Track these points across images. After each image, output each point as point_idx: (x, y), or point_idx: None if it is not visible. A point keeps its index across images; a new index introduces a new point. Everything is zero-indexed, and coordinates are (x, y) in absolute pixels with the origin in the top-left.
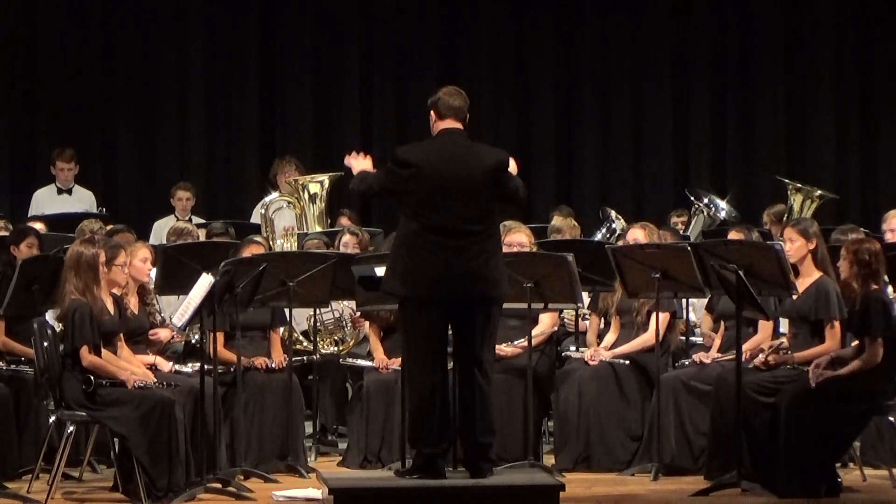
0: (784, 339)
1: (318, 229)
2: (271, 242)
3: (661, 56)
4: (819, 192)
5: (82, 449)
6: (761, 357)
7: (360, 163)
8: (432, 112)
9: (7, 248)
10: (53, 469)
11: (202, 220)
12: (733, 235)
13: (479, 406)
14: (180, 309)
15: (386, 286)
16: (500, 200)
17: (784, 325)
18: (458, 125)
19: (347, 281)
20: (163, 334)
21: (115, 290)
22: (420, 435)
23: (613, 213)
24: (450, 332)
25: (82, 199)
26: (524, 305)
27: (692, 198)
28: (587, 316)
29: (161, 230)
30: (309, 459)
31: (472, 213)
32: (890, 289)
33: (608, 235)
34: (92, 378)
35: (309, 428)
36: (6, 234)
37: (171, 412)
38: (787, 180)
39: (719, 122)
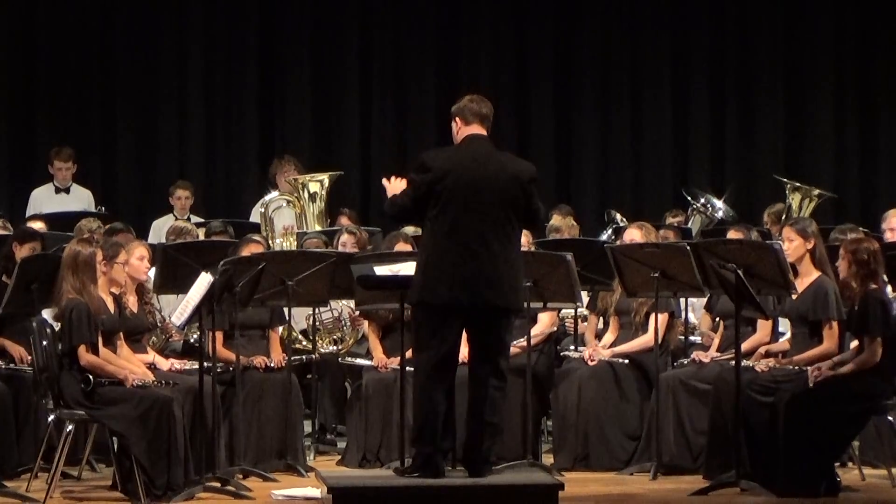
0: (787, 342)
1: (318, 228)
2: (270, 241)
3: (661, 56)
4: (817, 191)
5: (81, 448)
6: (763, 365)
7: (394, 185)
8: (457, 118)
9: (9, 245)
10: (52, 468)
11: (201, 219)
12: (732, 235)
13: (488, 412)
14: (179, 308)
15: (412, 299)
16: (523, 216)
17: (783, 324)
18: (483, 131)
19: (346, 280)
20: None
21: (114, 289)
22: (423, 437)
23: (619, 216)
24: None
25: (80, 198)
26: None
27: (689, 197)
28: (587, 317)
29: (160, 229)
30: (308, 458)
31: (497, 216)
32: (889, 288)
33: (613, 237)
34: (91, 377)
35: (308, 427)
36: (4, 232)
37: (169, 411)
38: (785, 179)
39: (719, 121)
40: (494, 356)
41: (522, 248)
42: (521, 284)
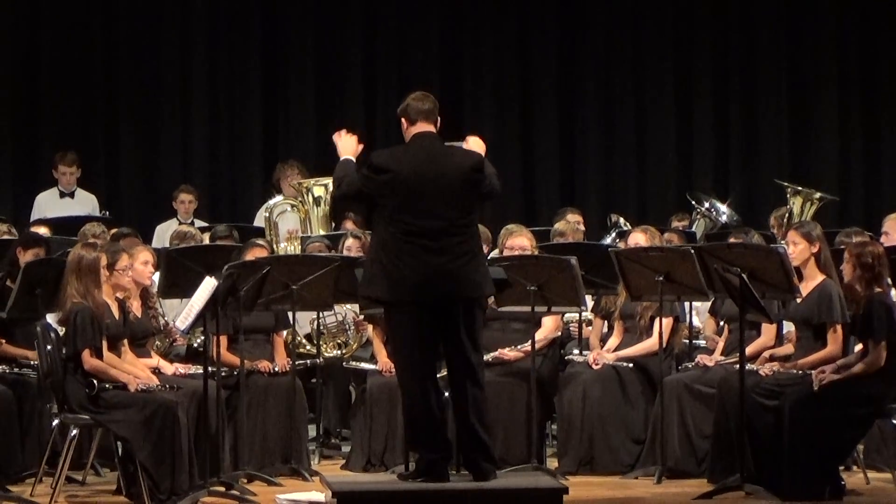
0: (790, 346)
1: (322, 232)
2: (275, 245)
3: (665, 60)
4: (818, 194)
5: (85, 452)
6: (767, 369)
7: (345, 142)
8: (403, 119)
9: (14, 250)
10: (57, 472)
11: (205, 224)
12: (732, 240)
13: (473, 411)
14: (183, 312)
15: (365, 292)
16: (479, 199)
17: (787, 328)
18: (431, 128)
19: (351, 284)
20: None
21: (118, 294)
22: (417, 439)
23: (621, 220)
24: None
25: (84, 203)
26: (528, 309)
27: (693, 202)
28: (591, 321)
29: (164, 233)
30: (312, 463)
31: (451, 214)
32: (893, 292)
33: (617, 240)
34: (95, 381)
35: (312, 431)
36: (9, 237)
37: (174, 415)
38: (786, 183)
39: (722, 125)
40: (466, 353)
41: (526, 252)
42: (482, 276)
